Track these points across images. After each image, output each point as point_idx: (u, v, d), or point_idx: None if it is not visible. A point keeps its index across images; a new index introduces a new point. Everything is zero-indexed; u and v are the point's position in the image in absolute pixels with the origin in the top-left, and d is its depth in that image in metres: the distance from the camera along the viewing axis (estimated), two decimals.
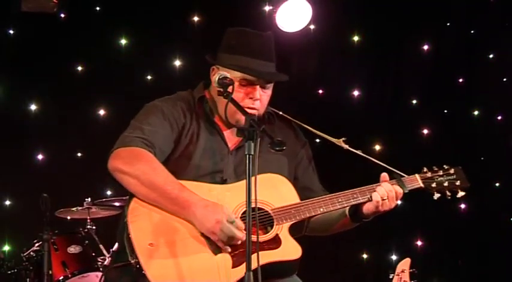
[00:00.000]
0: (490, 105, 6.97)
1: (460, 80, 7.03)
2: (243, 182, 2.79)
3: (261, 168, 2.71)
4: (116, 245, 3.13)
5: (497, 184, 6.97)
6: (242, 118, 2.81)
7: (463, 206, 6.98)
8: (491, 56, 6.97)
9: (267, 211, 2.81)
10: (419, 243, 6.89)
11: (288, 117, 3.18)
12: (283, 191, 2.91)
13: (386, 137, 6.72)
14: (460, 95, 6.96)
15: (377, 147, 6.71)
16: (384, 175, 2.99)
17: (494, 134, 6.87)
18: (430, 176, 3.08)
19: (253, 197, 2.58)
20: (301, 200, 2.93)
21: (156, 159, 2.80)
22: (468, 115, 7.04)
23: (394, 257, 6.76)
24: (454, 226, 6.75)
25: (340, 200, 2.92)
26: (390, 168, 3.05)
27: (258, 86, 2.93)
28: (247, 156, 2.51)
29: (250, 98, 2.92)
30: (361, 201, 2.93)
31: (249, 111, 2.85)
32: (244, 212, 2.80)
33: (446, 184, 3.09)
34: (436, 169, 3.10)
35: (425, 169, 3.10)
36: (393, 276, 4.00)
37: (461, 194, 3.12)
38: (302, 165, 3.13)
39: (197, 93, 3.06)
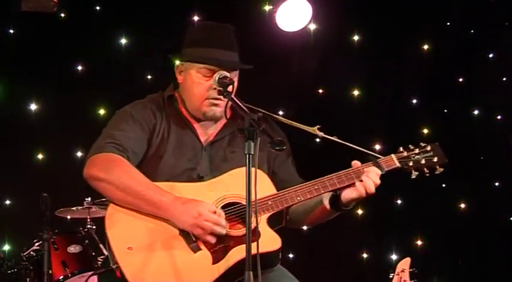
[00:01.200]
0: (490, 105, 6.97)
1: (460, 80, 7.04)
2: (218, 179, 2.89)
3: (238, 163, 2.79)
4: None
5: (497, 184, 6.97)
6: (207, 109, 2.92)
7: (463, 205, 6.98)
8: (491, 55, 6.98)
9: (244, 205, 2.77)
10: (419, 242, 6.89)
11: (262, 110, 3.17)
12: (260, 184, 2.84)
13: (386, 137, 6.71)
14: (460, 95, 6.96)
15: (377, 147, 6.71)
16: (355, 162, 2.94)
17: (494, 133, 6.87)
18: (407, 155, 3.02)
19: (236, 192, 2.71)
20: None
21: (129, 163, 2.84)
22: (468, 115, 7.04)
23: (394, 257, 6.76)
24: (454, 226, 6.75)
25: (316, 187, 2.89)
26: (366, 151, 3.03)
27: None
28: (247, 155, 2.51)
29: (215, 89, 2.91)
30: (339, 186, 2.89)
31: (214, 101, 2.92)
32: (221, 208, 2.82)
33: (423, 162, 3.01)
34: (412, 147, 3.05)
35: (401, 148, 3.05)
36: (393, 276, 4.00)
37: (440, 170, 3.02)
38: (279, 159, 3.13)
39: (167, 93, 3.10)
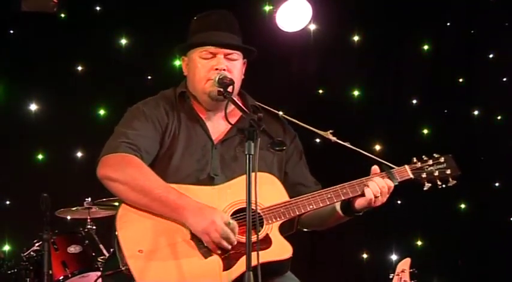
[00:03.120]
0: (490, 105, 6.97)
1: (460, 80, 7.04)
2: (228, 184, 2.84)
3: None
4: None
5: (497, 184, 6.97)
6: (212, 89, 2.90)
7: (463, 206, 6.99)
8: (491, 55, 6.98)
9: (255, 211, 2.74)
10: (419, 243, 6.89)
11: (274, 110, 3.15)
12: (272, 190, 2.88)
13: (386, 137, 6.72)
14: (460, 95, 6.96)
15: (377, 147, 6.71)
16: (375, 168, 2.93)
17: (494, 134, 6.87)
18: (420, 166, 2.99)
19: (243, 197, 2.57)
20: (293, 195, 2.91)
21: (144, 164, 2.81)
22: (468, 115, 7.04)
23: (394, 257, 6.76)
24: (454, 226, 6.75)
25: (329, 196, 2.88)
26: (379, 159, 3.01)
27: (222, 56, 2.95)
28: (247, 156, 2.50)
29: (216, 69, 2.93)
30: (351, 195, 2.88)
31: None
32: (233, 213, 2.81)
33: (436, 174, 2.98)
34: (425, 158, 3.02)
35: (414, 159, 3.01)
36: (393, 276, 4.00)
37: (452, 182, 2.99)
38: (292, 161, 3.11)
39: (179, 89, 3.07)
